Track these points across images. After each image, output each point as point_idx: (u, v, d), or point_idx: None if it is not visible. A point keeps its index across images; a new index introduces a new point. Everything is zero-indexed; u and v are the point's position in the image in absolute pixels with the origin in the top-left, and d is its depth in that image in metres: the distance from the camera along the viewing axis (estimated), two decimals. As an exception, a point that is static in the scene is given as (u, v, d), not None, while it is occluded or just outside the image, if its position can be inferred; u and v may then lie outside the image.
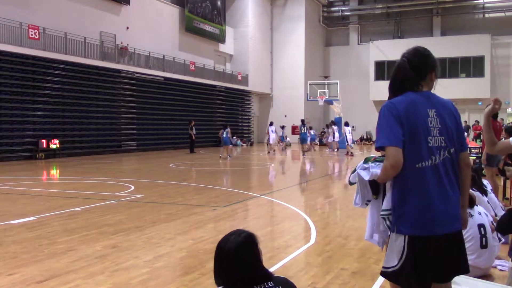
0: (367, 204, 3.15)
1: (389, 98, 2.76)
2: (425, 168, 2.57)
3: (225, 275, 2.18)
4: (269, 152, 26.27)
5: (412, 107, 2.62)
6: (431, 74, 2.72)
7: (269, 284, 2.17)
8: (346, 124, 27.03)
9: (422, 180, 2.56)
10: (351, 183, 3.19)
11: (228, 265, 2.16)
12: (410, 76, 2.69)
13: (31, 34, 20.77)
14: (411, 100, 2.64)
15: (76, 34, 23.15)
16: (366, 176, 2.94)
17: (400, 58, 2.76)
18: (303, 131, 25.63)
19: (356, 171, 3.06)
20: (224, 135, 22.54)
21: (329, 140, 30.46)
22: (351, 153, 25.60)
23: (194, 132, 26.54)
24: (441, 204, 2.56)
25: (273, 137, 27.10)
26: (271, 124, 27.87)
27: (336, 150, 28.90)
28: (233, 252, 2.15)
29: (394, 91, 2.75)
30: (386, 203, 2.73)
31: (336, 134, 28.80)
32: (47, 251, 5.61)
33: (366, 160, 2.99)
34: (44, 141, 21.13)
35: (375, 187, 3.03)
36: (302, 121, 26.73)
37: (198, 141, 27.44)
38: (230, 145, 23.49)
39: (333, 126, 29.56)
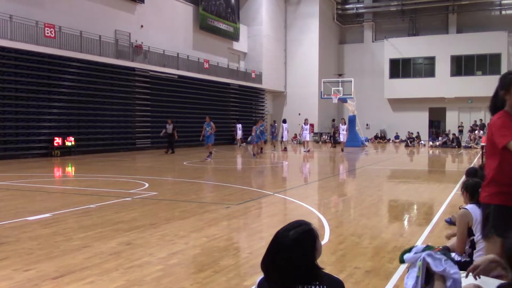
0: None
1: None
2: None
3: (273, 266, 2.13)
4: (240, 145, 27.00)
5: None
6: None
7: (314, 283, 2.13)
8: (284, 121, 28.20)
9: None
10: (402, 262, 2.86)
11: (280, 256, 2.12)
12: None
13: (47, 33, 20.99)
14: None
15: (91, 32, 23.34)
16: (437, 268, 2.64)
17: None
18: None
19: (419, 255, 2.74)
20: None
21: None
22: (285, 147, 27.56)
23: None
24: None
25: (239, 133, 29.61)
26: (238, 122, 29.45)
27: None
28: (289, 244, 2.12)
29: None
30: None
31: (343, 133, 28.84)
32: (62, 248, 5.67)
33: (429, 248, 2.71)
34: (59, 138, 21.36)
35: (428, 277, 2.73)
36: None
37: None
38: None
39: (340, 124, 29.60)
